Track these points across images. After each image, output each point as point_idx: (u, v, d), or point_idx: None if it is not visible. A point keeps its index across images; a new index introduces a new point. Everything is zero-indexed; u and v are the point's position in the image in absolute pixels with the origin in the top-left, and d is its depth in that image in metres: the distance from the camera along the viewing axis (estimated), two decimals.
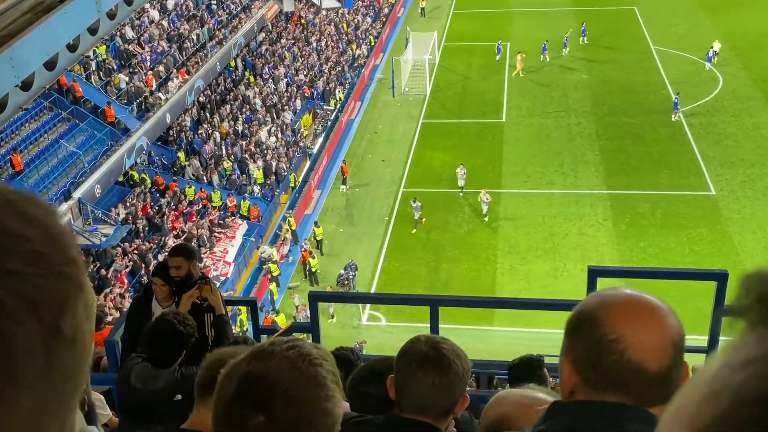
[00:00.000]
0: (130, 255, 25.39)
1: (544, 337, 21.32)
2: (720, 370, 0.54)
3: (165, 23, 35.94)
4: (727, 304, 5.10)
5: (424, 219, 30.06)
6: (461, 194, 31.19)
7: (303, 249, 28.76)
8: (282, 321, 24.80)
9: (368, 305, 26.24)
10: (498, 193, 32.26)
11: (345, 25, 49.62)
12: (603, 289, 1.67)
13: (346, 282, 26.44)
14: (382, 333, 24.70)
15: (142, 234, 26.90)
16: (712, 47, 42.72)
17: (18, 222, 0.69)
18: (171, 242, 27.27)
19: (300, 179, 34.23)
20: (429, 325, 5.45)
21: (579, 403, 1.63)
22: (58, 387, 0.69)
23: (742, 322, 0.55)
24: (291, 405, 1.60)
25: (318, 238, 29.74)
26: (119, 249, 25.33)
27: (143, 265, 25.34)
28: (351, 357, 4.33)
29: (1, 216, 0.68)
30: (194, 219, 29.25)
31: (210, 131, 34.26)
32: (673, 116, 37.27)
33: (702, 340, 5.39)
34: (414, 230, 29.84)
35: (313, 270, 27.78)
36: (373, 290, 26.78)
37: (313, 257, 28.28)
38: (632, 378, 1.56)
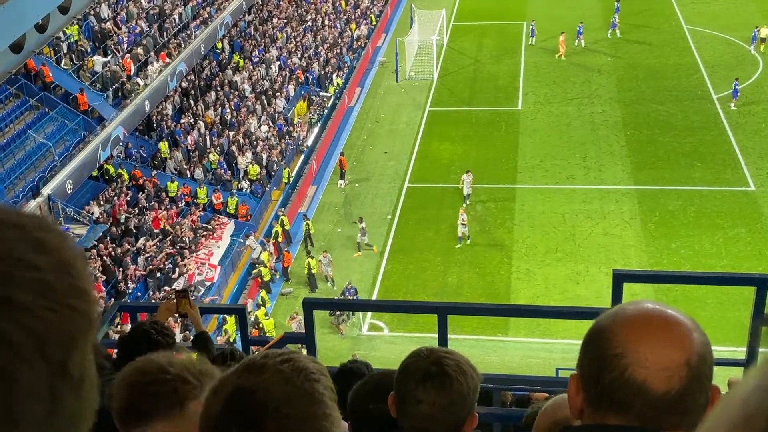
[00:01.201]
0: (105, 258, 25.40)
1: (564, 348, 21.36)
2: (753, 392, 0.53)
3: (144, 2, 35.95)
4: (767, 313, 5.10)
5: (374, 246, 29.46)
6: (465, 204, 30.79)
7: (287, 250, 28.78)
8: (269, 325, 24.83)
9: (369, 313, 26.26)
10: (513, 189, 32.28)
11: (343, 2, 49.61)
12: (627, 302, 1.67)
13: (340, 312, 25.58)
14: (385, 344, 24.72)
15: (117, 235, 26.90)
16: (758, 29, 42.51)
17: (29, 250, 0.68)
18: (149, 244, 27.30)
19: (294, 174, 34.22)
20: (437, 336, 5.44)
21: (585, 428, 1.61)
22: None
23: None
24: (284, 424, 1.60)
25: (310, 232, 29.86)
26: (93, 251, 25.34)
27: (119, 270, 25.35)
28: (365, 371, 4.32)
29: (12, 243, 0.67)
30: (176, 218, 29.26)
31: (194, 121, 34.27)
32: (732, 104, 37.10)
33: (741, 352, 5.39)
34: (358, 253, 29.31)
35: (312, 272, 27.79)
36: (374, 297, 26.78)
37: (311, 256, 28.33)
38: (634, 398, 1.54)
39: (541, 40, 45.17)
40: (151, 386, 2.24)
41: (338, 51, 44.63)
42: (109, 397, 2.31)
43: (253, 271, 28.32)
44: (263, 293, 26.72)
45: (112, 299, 23.32)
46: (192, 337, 5.58)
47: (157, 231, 27.98)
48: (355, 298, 25.62)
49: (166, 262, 26.81)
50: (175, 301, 5.42)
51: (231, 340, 24.04)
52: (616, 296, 5.38)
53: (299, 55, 42.50)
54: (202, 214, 30.17)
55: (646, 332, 1.55)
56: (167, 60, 33.23)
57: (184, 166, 32.07)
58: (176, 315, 5.45)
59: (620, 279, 5.41)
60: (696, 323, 1.59)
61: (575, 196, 31.60)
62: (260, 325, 24.85)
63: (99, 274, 24.77)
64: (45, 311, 0.66)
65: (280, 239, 29.81)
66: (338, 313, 25.25)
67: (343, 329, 25.20)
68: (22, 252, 0.67)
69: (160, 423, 2.20)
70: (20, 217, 0.71)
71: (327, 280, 27.82)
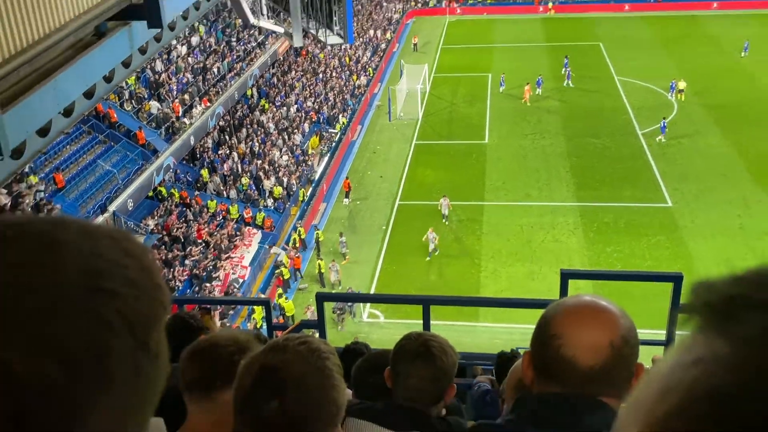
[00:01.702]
0: (157, 262, 25.31)
1: (522, 331, 21.29)
2: (672, 369, 0.53)
3: (190, 58, 36.01)
4: (681, 304, 5.11)
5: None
6: (445, 223, 30.61)
7: (294, 254, 28.62)
8: (290, 306, 24.92)
9: (368, 304, 26.20)
10: (482, 206, 32.30)
11: (347, 58, 49.76)
12: (570, 296, 1.67)
13: (341, 312, 25.15)
14: (381, 329, 24.66)
15: (168, 243, 26.82)
16: (676, 82, 42.58)
17: (119, 254, 0.72)
18: (194, 250, 27.23)
19: (308, 193, 34.22)
20: (422, 322, 5.44)
21: (540, 395, 1.61)
22: (141, 394, 0.71)
23: (692, 324, 0.55)
24: (302, 393, 1.62)
25: (321, 239, 29.80)
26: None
27: (170, 271, 25.27)
28: (365, 350, 4.36)
29: (107, 249, 0.72)
30: (215, 228, 29.20)
31: (229, 152, 34.27)
32: (661, 138, 37.08)
33: (661, 334, 5.40)
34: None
35: (322, 271, 27.74)
36: (372, 291, 26.76)
37: (321, 259, 28.28)
38: (566, 372, 1.54)
39: (506, 89, 45.28)
40: (216, 359, 2.20)
41: (343, 97, 44.71)
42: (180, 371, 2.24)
43: (276, 271, 28.22)
44: (279, 299, 26.34)
45: None
46: None
47: (200, 240, 27.92)
48: (351, 304, 25.31)
49: (207, 265, 26.75)
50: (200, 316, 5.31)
51: (258, 326, 23.97)
52: (563, 290, 5.39)
53: (312, 100, 42.56)
54: (236, 225, 30.11)
55: (577, 318, 1.55)
56: (208, 104, 33.27)
57: (222, 188, 32.02)
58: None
59: (566, 277, 5.42)
60: (623, 312, 1.58)
61: (531, 211, 31.63)
62: (283, 310, 24.90)
63: None
64: (133, 300, 0.70)
65: (297, 245, 29.75)
66: (339, 312, 24.97)
67: (343, 326, 24.95)
68: (115, 255, 0.72)
69: (225, 392, 2.11)
70: (111, 231, 0.76)
71: (333, 284, 27.57)
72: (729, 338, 0.51)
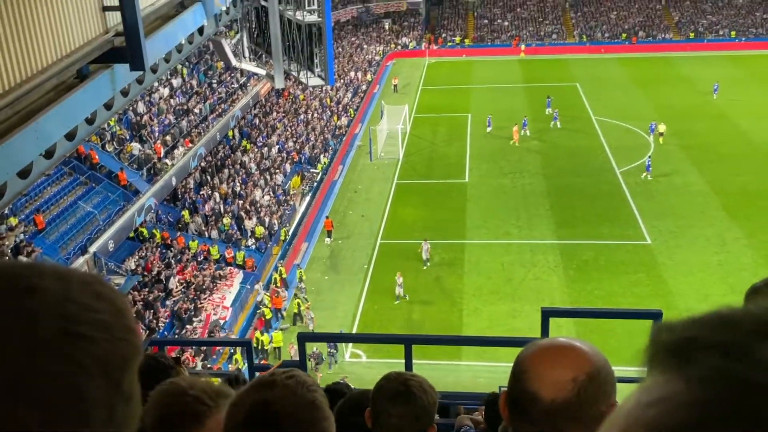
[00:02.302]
0: (136, 303, 25.01)
1: (505, 369, 21.09)
2: (634, 408, 0.54)
3: (172, 100, 36.14)
4: (641, 348, 5.11)
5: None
6: (425, 268, 30.20)
7: (276, 294, 28.43)
8: (278, 337, 24.96)
9: (350, 344, 25.98)
10: (463, 244, 32.34)
11: (329, 99, 50.20)
12: (546, 338, 1.71)
13: (318, 362, 24.50)
14: (363, 368, 24.42)
15: (149, 283, 26.55)
16: (656, 124, 43.05)
17: (92, 298, 0.73)
18: (175, 290, 26.96)
19: (290, 233, 34.14)
20: (404, 361, 5.40)
21: None
22: None
23: (652, 365, 0.56)
24: (296, 427, 1.61)
25: (303, 278, 29.70)
26: (129, 297, 24.96)
27: (151, 312, 24.96)
28: (345, 390, 4.30)
29: (80, 294, 0.73)
30: (197, 269, 28.97)
31: (211, 192, 34.21)
32: (647, 175, 37.38)
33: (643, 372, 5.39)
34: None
35: (302, 312, 27.54)
36: (354, 330, 26.56)
37: (302, 298, 28.10)
38: (529, 405, 1.56)
39: (493, 129, 45.71)
40: (176, 406, 2.19)
41: (324, 137, 44.98)
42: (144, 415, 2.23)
43: (257, 311, 27.96)
44: (260, 336, 26.01)
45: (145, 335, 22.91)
46: None
47: (182, 281, 27.66)
48: (317, 362, 24.53)
49: (188, 306, 26.46)
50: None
51: (240, 367, 23.67)
52: (544, 328, 5.38)
53: (294, 140, 42.77)
54: (217, 266, 29.90)
55: (544, 355, 1.58)
56: (190, 145, 33.31)
57: (203, 228, 31.88)
58: None
59: (547, 315, 5.42)
60: (596, 351, 1.59)
61: (511, 249, 31.73)
62: (266, 348, 24.88)
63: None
64: (105, 342, 0.71)
65: (278, 285, 29.55)
66: (315, 361, 24.51)
67: (320, 374, 24.59)
68: (87, 299, 0.73)
69: None
70: (84, 275, 0.76)
71: (307, 323, 27.26)
72: (685, 378, 0.52)
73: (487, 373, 21.75)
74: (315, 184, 39.14)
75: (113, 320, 0.73)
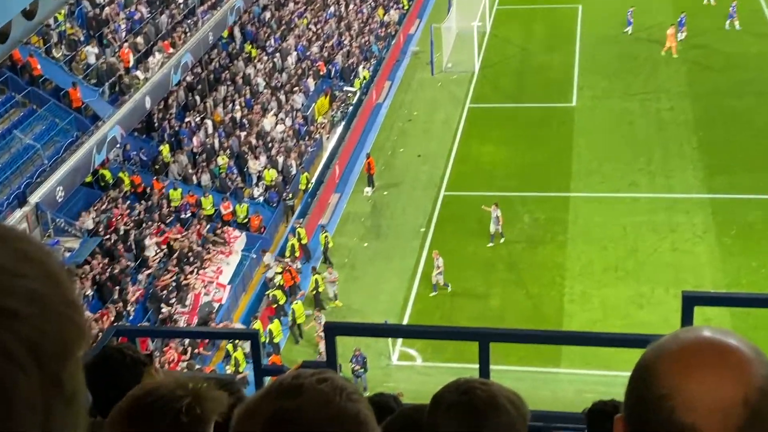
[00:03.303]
0: (99, 277, 25.55)
1: (625, 382, 21.13)
2: None
3: None
4: None
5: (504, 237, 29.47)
6: (491, 245, 30.05)
7: (285, 268, 28.73)
8: (300, 309, 26.66)
9: (399, 340, 26.21)
10: (566, 198, 32.10)
11: None
12: (679, 330, 1.62)
13: (360, 371, 24.82)
14: (418, 375, 24.65)
15: (114, 249, 27.09)
16: None
17: (14, 260, 0.73)
18: (152, 258, 27.47)
19: (313, 180, 34.29)
20: (478, 367, 5.43)
21: None
22: None
23: None
24: None
25: (329, 246, 30.02)
26: (86, 268, 25.53)
27: (117, 290, 25.51)
28: (393, 405, 4.33)
29: None
30: (181, 230, 29.41)
31: (200, 120, 34.49)
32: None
33: None
34: (490, 244, 29.49)
35: (319, 290, 27.84)
36: (405, 321, 26.74)
37: (318, 273, 28.36)
38: None
39: (623, 29, 44.83)
40: (162, 416, 2.25)
41: (365, 40, 44.74)
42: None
43: (267, 292, 28.25)
44: (275, 326, 26.54)
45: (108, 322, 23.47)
46: None
47: (160, 247, 28.14)
48: (362, 369, 24.84)
49: (169, 282, 26.94)
50: None
51: (240, 369, 24.13)
52: (686, 322, 5.33)
53: (320, 45, 42.65)
54: (210, 225, 30.25)
55: (693, 367, 1.50)
56: (170, 50, 33.51)
57: (190, 171, 32.24)
58: None
59: (691, 302, 5.36)
60: (760, 352, 1.54)
61: (638, 206, 31.37)
62: (275, 341, 25.49)
63: (91, 294, 24.96)
64: (38, 320, 0.71)
65: (297, 255, 29.81)
66: (357, 371, 24.68)
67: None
68: (8, 261, 0.73)
69: None
70: (2, 229, 0.77)
71: (330, 299, 27.87)
72: None
73: (598, 385, 21.74)
74: (350, 108, 39.08)
75: (46, 290, 0.73)
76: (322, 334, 24.87)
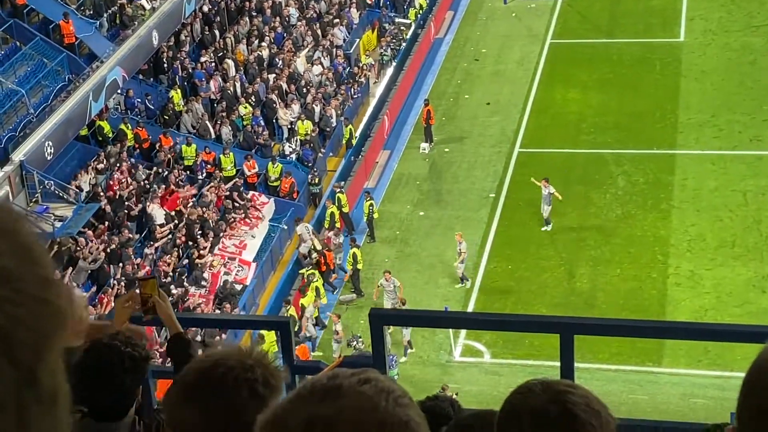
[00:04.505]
0: (96, 250, 25.84)
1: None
2: None
3: None
4: None
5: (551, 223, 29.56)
6: (545, 229, 29.88)
7: (326, 247, 28.91)
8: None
9: (463, 332, 26.28)
10: (672, 156, 31.90)
11: None
12: None
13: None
14: (485, 375, 24.76)
15: (114, 218, 27.38)
16: None
17: None
18: (161, 229, 27.72)
19: (358, 133, 34.33)
20: (559, 364, 5.41)
21: None
22: None
23: None
24: None
25: (374, 216, 30.07)
26: (82, 240, 25.83)
27: (118, 267, 25.80)
28: (450, 411, 4.35)
29: None
30: (195, 193, 29.60)
31: (219, 59, 34.62)
32: None
33: None
34: (545, 228, 29.40)
35: (359, 267, 27.89)
36: (470, 308, 26.80)
37: (358, 246, 28.42)
38: None
39: None
40: (229, 394, 2.36)
41: None
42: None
43: (302, 272, 28.38)
44: (308, 299, 26.77)
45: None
46: (166, 342, 5.44)
47: (171, 212, 28.37)
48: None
49: (182, 258, 27.20)
50: (138, 290, 5.13)
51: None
52: None
53: None
54: (230, 188, 30.40)
55: None
56: None
57: (206, 122, 32.41)
58: (141, 311, 5.13)
59: None
60: None
61: (762, 167, 31.11)
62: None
63: (86, 272, 25.27)
64: (8, 304, 0.70)
65: (338, 225, 29.91)
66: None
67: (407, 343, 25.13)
68: None
69: None
70: None
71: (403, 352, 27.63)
72: None
73: (710, 389, 21.69)
74: (403, 45, 39.01)
75: (19, 268, 0.72)
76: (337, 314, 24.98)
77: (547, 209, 29.47)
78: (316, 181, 31.84)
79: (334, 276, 28.94)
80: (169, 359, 5.35)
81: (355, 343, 25.18)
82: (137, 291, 5.08)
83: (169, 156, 30.33)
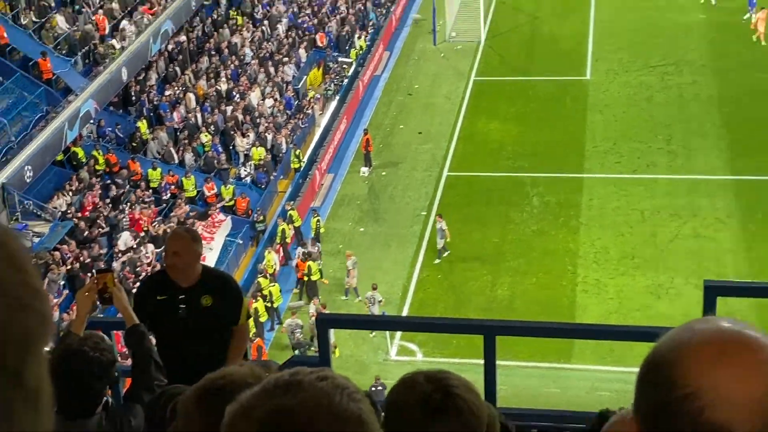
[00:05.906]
0: (70, 264, 25.54)
1: None
2: None
3: None
4: None
5: (448, 251, 29.26)
6: (437, 262, 29.41)
7: (298, 257, 28.69)
8: (261, 307, 25.90)
9: (399, 333, 26.22)
10: (580, 179, 32.09)
11: None
12: (691, 322, 1.61)
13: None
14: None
15: (87, 234, 27.07)
16: None
17: None
18: (126, 243, 27.45)
19: (305, 158, 34.23)
20: (482, 362, 5.45)
21: None
22: None
23: None
24: None
25: (320, 231, 30.00)
26: (57, 254, 25.51)
27: (89, 278, 25.47)
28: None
29: None
30: (155, 213, 29.37)
31: (182, 93, 34.40)
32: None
33: None
34: (437, 261, 29.25)
35: (313, 278, 27.79)
36: (405, 312, 26.76)
37: (313, 260, 28.22)
38: None
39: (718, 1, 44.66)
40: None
41: (361, 6, 44.58)
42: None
43: (255, 285, 28.21)
44: (260, 304, 26.48)
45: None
46: (123, 335, 5.36)
47: (138, 232, 28.10)
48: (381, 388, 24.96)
49: (146, 270, 26.94)
50: (96, 282, 5.11)
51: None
52: (708, 313, 5.35)
53: (312, 11, 42.50)
54: (191, 208, 30.19)
55: (722, 362, 1.48)
56: (151, 17, 33.39)
57: (170, 149, 32.18)
58: (99, 302, 5.09)
59: (713, 292, 5.38)
60: None
61: (657, 189, 31.37)
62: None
63: (62, 283, 24.94)
64: None
65: (288, 240, 29.80)
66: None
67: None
68: None
69: None
70: None
71: (349, 293, 27.82)
72: None
73: (612, 382, 21.80)
74: (345, 81, 38.98)
75: (5, 274, 0.72)
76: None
77: (440, 242, 29.30)
78: (261, 219, 31.00)
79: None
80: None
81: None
82: (95, 282, 5.04)
83: (131, 178, 30.13)
